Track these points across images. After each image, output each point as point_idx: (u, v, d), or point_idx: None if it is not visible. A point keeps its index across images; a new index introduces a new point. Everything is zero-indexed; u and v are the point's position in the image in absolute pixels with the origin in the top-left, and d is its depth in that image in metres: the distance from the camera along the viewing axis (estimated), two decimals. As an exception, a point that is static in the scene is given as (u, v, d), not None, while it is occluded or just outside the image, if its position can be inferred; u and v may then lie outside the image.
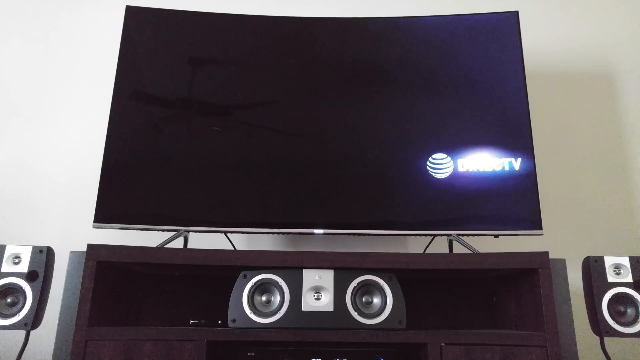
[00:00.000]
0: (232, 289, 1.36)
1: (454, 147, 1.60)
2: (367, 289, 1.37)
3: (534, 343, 1.29)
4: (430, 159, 1.59)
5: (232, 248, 1.73)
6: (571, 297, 1.38)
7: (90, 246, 1.34)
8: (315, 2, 2.22)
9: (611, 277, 1.39)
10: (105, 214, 1.56)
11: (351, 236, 1.92)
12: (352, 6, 2.22)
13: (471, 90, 1.69)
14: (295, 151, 1.65)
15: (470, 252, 1.49)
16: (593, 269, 1.40)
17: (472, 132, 1.64)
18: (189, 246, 1.62)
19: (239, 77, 1.72)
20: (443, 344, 1.29)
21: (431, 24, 1.76)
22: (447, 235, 1.57)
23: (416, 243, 1.92)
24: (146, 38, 1.74)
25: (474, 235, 1.56)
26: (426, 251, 1.73)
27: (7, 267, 1.35)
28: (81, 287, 1.31)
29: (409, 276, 1.50)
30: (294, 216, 1.58)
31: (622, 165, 2.05)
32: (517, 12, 1.75)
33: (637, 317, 1.35)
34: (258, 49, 1.74)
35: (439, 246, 1.74)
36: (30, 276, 1.35)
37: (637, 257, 1.40)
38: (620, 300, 1.37)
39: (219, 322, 1.45)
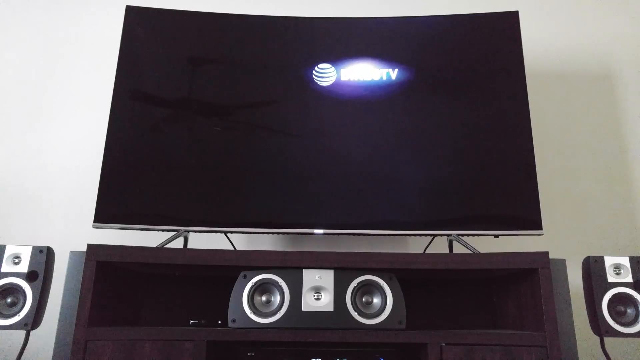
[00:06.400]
0: (232, 289, 1.36)
1: (337, 58, 1.72)
2: (367, 289, 1.37)
3: (534, 343, 1.29)
4: (315, 68, 1.70)
5: (232, 248, 1.73)
6: (571, 297, 1.37)
7: (90, 246, 1.34)
8: (315, 2, 2.22)
9: (611, 277, 1.39)
10: (105, 214, 1.56)
11: (351, 236, 1.92)
12: (352, 6, 2.22)
13: (471, 90, 1.69)
14: (295, 151, 1.64)
15: (470, 252, 1.49)
16: (593, 269, 1.40)
17: (476, 134, 1.65)
18: (189, 246, 1.62)
19: (239, 77, 1.72)
20: (443, 344, 1.29)
21: (431, 24, 1.76)
22: (447, 235, 1.57)
23: (416, 243, 1.92)
24: (146, 38, 1.74)
25: (474, 235, 1.56)
26: (426, 251, 1.73)
27: (7, 267, 1.35)
28: (81, 287, 1.31)
29: (409, 276, 1.50)
30: (294, 216, 1.58)
31: (622, 165, 2.05)
32: (517, 12, 1.75)
33: (637, 317, 1.35)
34: (258, 49, 1.74)
35: (439, 246, 1.73)
36: (30, 276, 1.35)
37: (637, 257, 1.40)
38: (620, 300, 1.37)
39: (219, 322, 1.45)
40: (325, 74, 1.70)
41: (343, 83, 1.70)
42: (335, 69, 1.71)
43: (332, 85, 1.69)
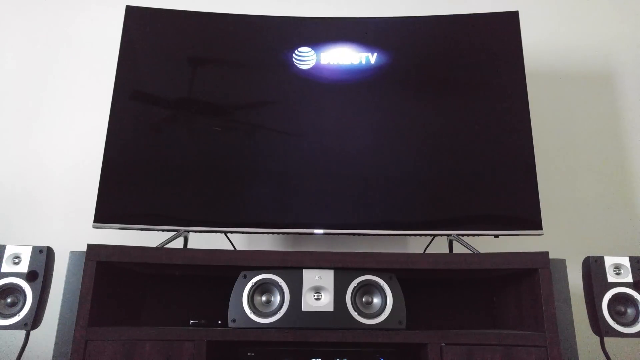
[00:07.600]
0: (232, 289, 1.36)
1: (317, 41, 1.73)
2: (367, 289, 1.37)
3: (534, 343, 1.29)
4: (296, 51, 1.70)
5: (232, 248, 1.73)
6: (571, 297, 1.37)
7: (90, 246, 1.34)
8: (314, 2, 2.22)
9: (611, 277, 1.39)
10: (105, 214, 1.56)
11: (351, 236, 1.92)
12: (352, 6, 2.22)
13: (472, 90, 1.69)
14: (295, 151, 1.64)
15: (471, 252, 1.49)
16: (593, 269, 1.40)
17: (475, 134, 1.65)
18: (189, 246, 1.62)
19: (239, 77, 1.72)
20: (443, 344, 1.29)
21: (431, 24, 1.76)
22: (447, 235, 1.57)
23: (416, 243, 1.92)
24: (146, 38, 1.74)
25: (474, 235, 1.56)
26: (426, 251, 1.73)
27: (7, 267, 1.35)
28: (81, 287, 1.31)
29: (409, 276, 1.50)
30: (294, 216, 1.58)
31: (622, 165, 2.05)
32: (517, 12, 1.75)
33: (637, 317, 1.35)
34: (258, 49, 1.74)
35: (439, 246, 1.73)
36: (30, 276, 1.35)
37: (637, 257, 1.40)
38: (620, 301, 1.37)
39: (219, 322, 1.45)
40: (306, 57, 1.69)
41: (323, 66, 1.70)
42: (316, 52, 1.71)
43: (312, 68, 1.69)
